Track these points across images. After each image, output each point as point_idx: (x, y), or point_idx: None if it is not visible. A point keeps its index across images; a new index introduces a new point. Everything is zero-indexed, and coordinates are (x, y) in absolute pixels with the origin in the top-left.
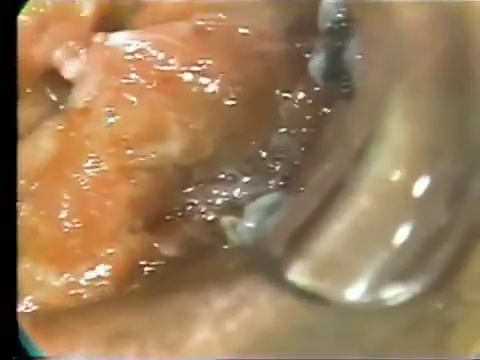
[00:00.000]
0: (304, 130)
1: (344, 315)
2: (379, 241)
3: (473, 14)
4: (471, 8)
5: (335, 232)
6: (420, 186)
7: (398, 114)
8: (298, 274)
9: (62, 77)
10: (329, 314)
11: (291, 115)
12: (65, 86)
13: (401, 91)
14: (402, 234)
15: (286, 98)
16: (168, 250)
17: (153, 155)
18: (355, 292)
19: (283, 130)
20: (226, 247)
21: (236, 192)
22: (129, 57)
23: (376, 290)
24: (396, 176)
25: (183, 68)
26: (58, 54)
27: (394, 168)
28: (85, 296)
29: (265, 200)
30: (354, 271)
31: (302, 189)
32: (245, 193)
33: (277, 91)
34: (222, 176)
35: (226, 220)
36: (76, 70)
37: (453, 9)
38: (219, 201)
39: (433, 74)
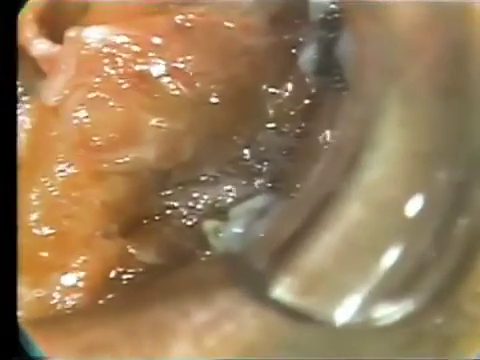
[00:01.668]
0: (292, 128)
1: (334, 334)
2: (372, 255)
3: (471, 15)
4: (469, 8)
5: (324, 245)
6: (417, 196)
7: (392, 119)
8: (283, 290)
9: (29, 66)
10: (318, 332)
11: (278, 112)
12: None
13: (396, 95)
14: (397, 248)
15: (273, 94)
16: (145, 257)
17: (127, 159)
18: (345, 311)
19: (270, 128)
20: (207, 256)
21: (219, 194)
22: (104, 54)
23: (368, 309)
24: (391, 185)
25: (161, 66)
26: (27, 34)
27: (388, 177)
28: (58, 307)
29: (252, 203)
30: (344, 288)
31: (292, 193)
32: (229, 196)
33: (263, 86)
34: (204, 178)
35: (209, 224)
36: (45, 49)
37: (450, 9)
38: (201, 204)
39: (429, 77)
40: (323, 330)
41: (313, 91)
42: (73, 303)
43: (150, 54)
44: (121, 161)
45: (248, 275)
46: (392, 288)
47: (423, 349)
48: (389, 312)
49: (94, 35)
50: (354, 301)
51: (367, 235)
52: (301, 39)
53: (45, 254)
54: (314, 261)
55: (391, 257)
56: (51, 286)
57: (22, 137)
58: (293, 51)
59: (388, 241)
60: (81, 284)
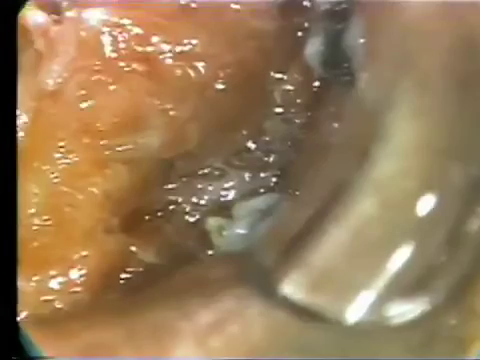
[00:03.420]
0: (300, 117)
1: (345, 333)
2: (384, 252)
3: None
4: None
5: (334, 241)
6: (430, 191)
7: (405, 110)
8: (292, 288)
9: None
10: (328, 332)
11: (286, 99)
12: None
13: (408, 85)
14: (410, 244)
15: (281, 80)
16: (147, 255)
17: (130, 146)
18: (357, 309)
19: (277, 117)
20: (211, 254)
21: (224, 188)
22: (106, 35)
23: (381, 307)
24: (403, 179)
25: (166, 48)
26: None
27: (401, 171)
28: (57, 304)
29: (257, 203)
30: (356, 285)
31: (299, 188)
32: (234, 190)
33: (271, 72)
34: (208, 170)
35: (212, 222)
36: (42, 23)
37: None
38: (205, 199)
39: (443, 66)
40: (334, 329)
41: (321, 82)
42: (72, 300)
43: (154, 36)
44: (124, 148)
45: (254, 272)
46: (405, 286)
47: (437, 350)
48: (402, 311)
49: (95, 16)
50: (366, 299)
51: (379, 231)
52: (307, 25)
53: (44, 247)
54: (324, 258)
55: (404, 254)
56: (50, 281)
57: (21, 124)
58: (301, 36)
59: (401, 237)
60: (80, 280)
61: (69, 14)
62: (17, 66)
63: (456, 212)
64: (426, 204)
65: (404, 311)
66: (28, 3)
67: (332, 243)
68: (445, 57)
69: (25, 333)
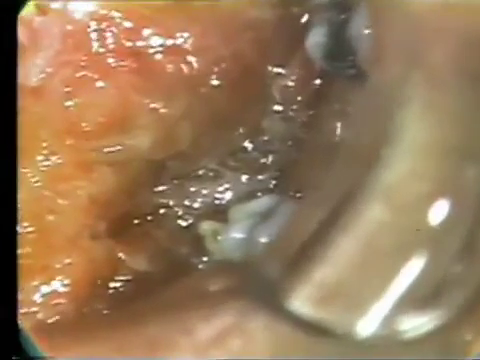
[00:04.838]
0: (300, 115)
1: (355, 349)
2: (396, 261)
3: None
4: None
5: (343, 252)
6: (444, 195)
7: (415, 108)
8: (300, 302)
9: None
10: (337, 347)
11: (285, 95)
12: None
13: (418, 81)
14: (423, 252)
15: (280, 74)
16: (137, 262)
17: (118, 147)
18: (368, 324)
19: (276, 114)
20: (208, 262)
21: (218, 191)
22: (93, 29)
23: (393, 321)
24: (415, 183)
25: (157, 43)
26: None
27: (412, 173)
28: (40, 316)
29: (255, 206)
30: (366, 299)
31: (299, 194)
32: (230, 193)
33: (270, 66)
34: (202, 171)
35: (206, 226)
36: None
37: None
38: (198, 202)
39: (455, 60)
40: (343, 345)
41: (323, 76)
42: (56, 312)
43: (144, 30)
44: (112, 149)
45: (257, 285)
46: (418, 298)
47: None
48: (415, 324)
49: (81, 7)
50: (377, 313)
51: (390, 239)
52: (309, 14)
53: (25, 255)
54: (333, 270)
55: (417, 263)
56: (31, 291)
57: None
58: (301, 26)
59: (413, 246)
60: (65, 290)
61: (54, 5)
62: (17, 66)
63: (472, 216)
64: (440, 209)
65: (418, 324)
66: (28, 3)
67: (341, 254)
68: (456, 50)
69: (25, 333)
